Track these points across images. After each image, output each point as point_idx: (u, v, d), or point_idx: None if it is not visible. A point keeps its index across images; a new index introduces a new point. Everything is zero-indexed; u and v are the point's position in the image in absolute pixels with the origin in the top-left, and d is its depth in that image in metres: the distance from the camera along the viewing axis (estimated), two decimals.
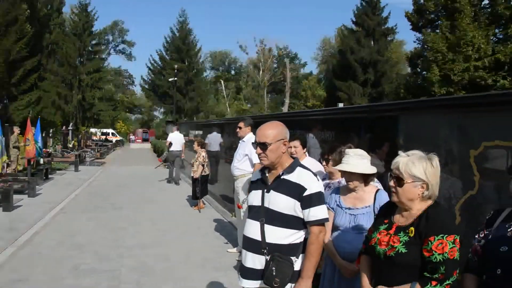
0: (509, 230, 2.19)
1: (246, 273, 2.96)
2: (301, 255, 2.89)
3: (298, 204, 2.82)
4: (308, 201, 2.80)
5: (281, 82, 56.57)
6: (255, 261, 2.89)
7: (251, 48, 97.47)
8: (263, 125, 2.98)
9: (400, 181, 2.34)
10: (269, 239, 2.84)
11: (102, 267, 6.23)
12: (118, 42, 70.94)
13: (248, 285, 2.96)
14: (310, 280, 2.84)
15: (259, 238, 2.87)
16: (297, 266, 2.86)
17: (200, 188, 10.54)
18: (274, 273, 2.75)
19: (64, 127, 29.27)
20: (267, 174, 3.01)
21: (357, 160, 3.22)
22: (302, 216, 2.84)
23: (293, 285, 2.85)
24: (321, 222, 2.83)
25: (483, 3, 25.31)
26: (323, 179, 4.11)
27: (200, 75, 49.12)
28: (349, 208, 3.28)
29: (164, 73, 46.05)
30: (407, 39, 55.73)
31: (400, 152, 2.46)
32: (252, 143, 3.09)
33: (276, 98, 59.66)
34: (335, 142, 5.07)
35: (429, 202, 2.39)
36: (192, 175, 10.88)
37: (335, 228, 3.37)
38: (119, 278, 5.80)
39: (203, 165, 10.47)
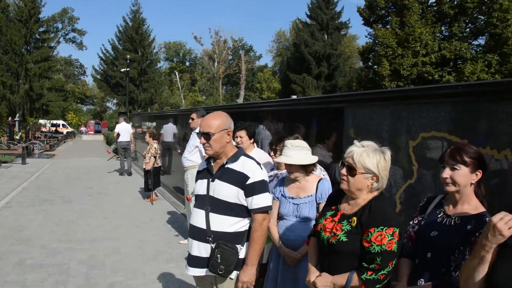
0: (439, 216, 2.33)
1: (193, 261, 2.99)
2: (246, 243, 2.95)
3: (241, 192, 2.88)
4: (251, 189, 2.86)
5: (236, 74, 56.58)
6: (201, 249, 2.93)
7: (206, 39, 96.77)
8: (207, 116, 3.03)
9: (352, 171, 2.38)
10: (214, 227, 2.89)
11: (49, 261, 6.07)
12: (68, 31, 68.19)
13: (194, 273, 3.01)
14: (255, 267, 2.91)
15: (204, 226, 2.91)
16: (242, 254, 2.93)
17: (152, 180, 10.42)
18: (219, 261, 2.81)
19: (10, 118, 27.97)
20: (212, 164, 3.06)
21: (295, 151, 3.30)
22: (246, 204, 2.90)
23: (238, 272, 2.92)
24: (264, 210, 2.89)
25: (430, 1, 26.21)
26: (272, 170, 4.20)
27: (154, 66, 48.16)
28: (292, 198, 3.38)
29: (117, 63, 44.81)
30: (360, 33, 57.09)
31: (355, 142, 2.47)
32: (197, 133, 3.13)
33: (232, 90, 59.54)
34: (284, 133, 5.17)
35: (375, 193, 2.45)
36: (144, 167, 10.73)
37: (280, 217, 3.47)
38: (67, 272, 5.67)
39: (155, 157, 10.35)
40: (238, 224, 2.93)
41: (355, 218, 2.40)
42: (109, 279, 5.51)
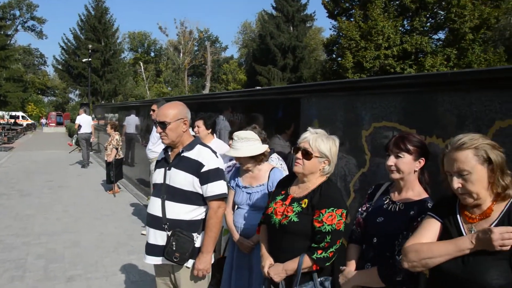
0: (385, 202, 2.42)
1: (149, 249, 3.01)
2: (203, 232, 2.98)
3: (196, 180, 2.91)
4: (206, 177, 2.90)
5: (202, 66, 56.13)
6: (157, 237, 2.95)
7: (171, 30, 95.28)
8: (163, 105, 3.04)
9: (308, 155, 2.56)
10: (170, 215, 2.91)
11: (5, 256, 5.92)
12: (27, 18, 65.51)
13: (151, 261, 3.02)
14: (210, 254, 2.95)
15: (160, 214, 2.93)
16: (198, 243, 2.96)
17: (114, 172, 10.28)
18: (174, 248, 2.84)
19: None
20: (169, 153, 3.08)
21: (242, 143, 3.34)
22: (201, 192, 2.93)
23: (194, 261, 2.95)
24: (219, 197, 2.93)
25: None
26: (230, 160, 4.24)
27: (117, 57, 47.12)
28: (246, 187, 3.43)
29: (79, 53, 43.58)
30: (325, 26, 57.53)
31: (309, 128, 2.66)
32: (154, 122, 3.14)
33: (197, 81, 59.10)
34: (243, 123, 5.21)
35: (324, 178, 2.64)
36: (106, 158, 10.57)
37: (235, 206, 3.52)
38: (24, 267, 5.56)
39: (116, 149, 10.20)
40: (194, 212, 2.96)
41: (306, 200, 2.57)
42: (68, 272, 5.44)
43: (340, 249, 2.55)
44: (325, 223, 2.45)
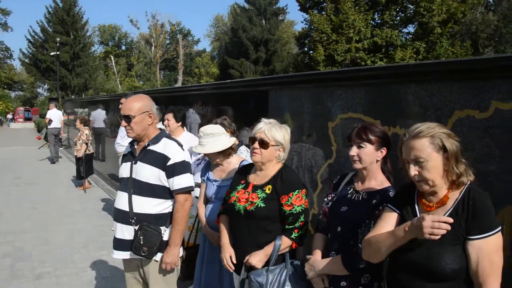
0: (349, 192, 2.47)
1: (117, 244, 3.00)
2: (170, 225, 2.98)
3: (163, 173, 2.90)
4: (172, 170, 2.89)
5: (174, 59, 55.55)
6: (124, 231, 2.94)
7: (142, 23, 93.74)
8: (128, 99, 3.01)
9: (265, 144, 2.68)
10: (137, 209, 2.90)
11: None
12: None
13: (119, 256, 3.00)
14: (178, 247, 2.95)
15: (127, 208, 2.91)
16: (166, 236, 2.95)
17: (84, 167, 10.11)
18: (141, 242, 2.83)
19: None
20: (135, 147, 3.06)
21: (208, 139, 3.35)
22: (168, 186, 2.92)
23: (162, 254, 2.94)
24: (186, 191, 2.93)
25: None
26: (199, 153, 4.23)
27: (87, 50, 46.11)
28: (216, 180, 3.44)
29: (47, 46, 42.38)
30: (298, 19, 57.64)
31: (262, 119, 2.78)
32: (119, 116, 3.10)
33: (169, 75, 58.44)
34: (213, 116, 5.20)
35: (281, 165, 2.80)
36: (75, 154, 10.37)
37: (206, 200, 3.53)
38: None
39: (86, 144, 10.03)
40: (160, 206, 2.95)
41: (270, 186, 2.71)
42: (36, 270, 5.34)
43: (308, 238, 2.66)
44: (295, 205, 2.63)
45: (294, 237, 2.65)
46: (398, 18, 27.06)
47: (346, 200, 2.44)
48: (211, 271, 3.46)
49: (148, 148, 2.96)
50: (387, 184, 2.38)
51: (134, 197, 2.92)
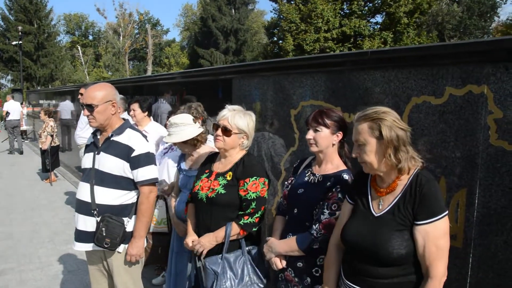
0: (307, 175, 2.54)
1: (79, 236, 2.95)
2: (134, 216, 2.95)
3: (127, 165, 2.86)
4: (137, 162, 2.86)
5: (143, 49, 54.59)
6: (86, 223, 2.89)
7: (109, 12, 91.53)
8: (90, 87, 2.94)
9: (228, 132, 2.67)
10: (99, 200, 2.86)
11: None
12: None
13: (80, 248, 2.96)
14: (143, 239, 2.93)
15: (89, 199, 2.87)
16: (130, 227, 2.92)
17: (50, 160, 9.87)
18: (104, 234, 2.79)
19: None
20: (98, 137, 3.00)
21: (174, 129, 3.33)
22: (132, 177, 2.89)
23: (126, 246, 2.92)
24: (150, 182, 2.90)
25: None
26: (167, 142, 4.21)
27: (53, 40, 44.58)
28: (186, 170, 3.43)
29: (9, 35, 40.78)
30: (267, 9, 57.33)
31: (226, 106, 2.76)
32: (82, 106, 3.03)
33: (139, 65, 57.41)
34: (180, 106, 5.15)
35: (244, 152, 2.79)
36: (40, 146, 10.11)
37: (179, 190, 3.52)
38: None
39: (52, 136, 9.78)
40: (124, 197, 2.91)
41: (230, 173, 2.70)
42: None
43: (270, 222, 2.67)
44: (250, 191, 2.60)
45: (242, 223, 2.61)
46: (366, 8, 27.32)
47: (303, 183, 2.51)
48: (180, 261, 3.46)
49: (111, 138, 2.91)
50: (342, 167, 2.44)
51: (96, 188, 2.87)
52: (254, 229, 2.65)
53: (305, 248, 2.34)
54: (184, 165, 3.49)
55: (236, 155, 2.76)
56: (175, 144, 3.50)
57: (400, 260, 1.85)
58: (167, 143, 4.24)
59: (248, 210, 2.60)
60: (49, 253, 5.63)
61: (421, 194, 1.83)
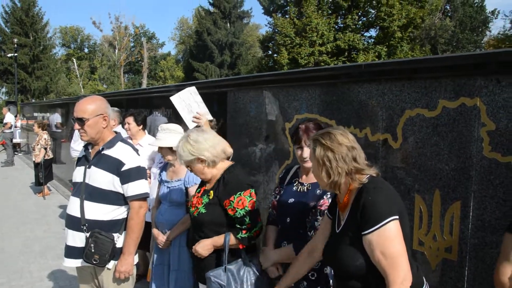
0: (295, 185, 2.56)
1: (68, 252, 2.89)
2: (124, 232, 2.89)
3: (117, 179, 2.81)
4: (127, 176, 2.80)
5: (139, 62, 54.73)
6: (76, 238, 2.84)
7: (105, 25, 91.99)
8: (81, 100, 2.90)
9: (188, 168, 2.75)
10: (89, 215, 2.80)
11: None
12: None
13: (70, 264, 2.90)
14: (132, 255, 2.87)
15: (78, 215, 2.81)
16: (119, 243, 2.86)
17: (43, 173, 9.78)
18: (93, 250, 2.73)
19: None
20: (90, 150, 2.96)
21: (164, 134, 3.32)
22: (122, 192, 2.84)
23: (116, 262, 2.86)
24: (141, 197, 2.84)
25: None
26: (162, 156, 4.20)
27: (48, 52, 44.62)
28: (167, 181, 3.42)
29: (4, 47, 40.78)
30: (262, 23, 57.71)
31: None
32: (72, 118, 3.01)
33: (134, 78, 57.49)
34: (175, 119, 5.15)
35: (226, 163, 2.73)
36: (34, 159, 10.04)
37: (159, 201, 3.51)
38: None
39: (45, 148, 9.72)
40: (114, 212, 2.86)
41: (211, 192, 2.66)
42: None
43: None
44: (237, 208, 2.55)
45: (240, 237, 2.57)
46: (360, 22, 27.59)
47: (292, 193, 2.53)
48: (161, 274, 3.44)
49: (102, 152, 2.86)
50: None
51: (86, 203, 2.81)
52: (253, 242, 2.63)
53: None
54: (165, 176, 3.48)
55: (216, 172, 2.70)
56: (160, 149, 3.47)
57: (358, 272, 1.88)
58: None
59: (245, 226, 2.56)
60: (40, 268, 5.55)
61: (361, 205, 1.85)
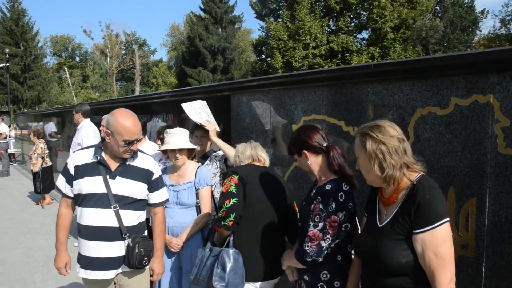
0: (312, 191, 2.53)
1: (102, 264, 2.84)
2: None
3: (146, 187, 2.93)
4: (156, 185, 2.96)
5: (131, 70, 54.68)
6: (114, 249, 2.82)
7: (96, 33, 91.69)
8: (132, 120, 2.88)
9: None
10: (127, 223, 2.86)
11: None
12: None
13: (106, 277, 2.86)
14: (163, 257, 3.04)
15: (116, 224, 2.81)
16: None
17: (42, 182, 9.70)
18: (143, 254, 2.82)
19: None
20: (105, 159, 2.89)
21: (174, 137, 3.35)
22: (146, 198, 2.96)
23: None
24: (164, 203, 3.07)
25: None
26: (160, 160, 4.22)
27: (39, 62, 44.37)
28: (173, 185, 3.43)
29: None
30: (254, 27, 57.84)
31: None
32: (126, 141, 2.91)
33: (126, 86, 57.36)
34: (176, 124, 5.14)
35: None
36: (31, 168, 9.96)
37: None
38: None
39: (42, 157, 9.64)
40: (141, 217, 2.99)
41: None
42: None
43: None
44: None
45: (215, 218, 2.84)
46: (353, 24, 27.73)
47: (306, 196, 2.57)
48: (172, 279, 3.45)
49: (128, 163, 2.90)
50: (333, 177, 2.42)
51: (122, 212, 2.83)
52: (223, 223, 2.74)
53: (301, 261, 2.34)
54: (167, 179, 3.48)
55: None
56: (171, 152, 3.44)
57: (401, 270, 1.86)
58: (160, 160, 4.25)
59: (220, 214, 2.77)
60: (44, 278, 5.49)
61: (417, 203, 1.84)
